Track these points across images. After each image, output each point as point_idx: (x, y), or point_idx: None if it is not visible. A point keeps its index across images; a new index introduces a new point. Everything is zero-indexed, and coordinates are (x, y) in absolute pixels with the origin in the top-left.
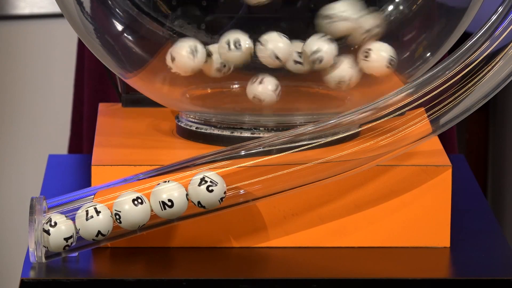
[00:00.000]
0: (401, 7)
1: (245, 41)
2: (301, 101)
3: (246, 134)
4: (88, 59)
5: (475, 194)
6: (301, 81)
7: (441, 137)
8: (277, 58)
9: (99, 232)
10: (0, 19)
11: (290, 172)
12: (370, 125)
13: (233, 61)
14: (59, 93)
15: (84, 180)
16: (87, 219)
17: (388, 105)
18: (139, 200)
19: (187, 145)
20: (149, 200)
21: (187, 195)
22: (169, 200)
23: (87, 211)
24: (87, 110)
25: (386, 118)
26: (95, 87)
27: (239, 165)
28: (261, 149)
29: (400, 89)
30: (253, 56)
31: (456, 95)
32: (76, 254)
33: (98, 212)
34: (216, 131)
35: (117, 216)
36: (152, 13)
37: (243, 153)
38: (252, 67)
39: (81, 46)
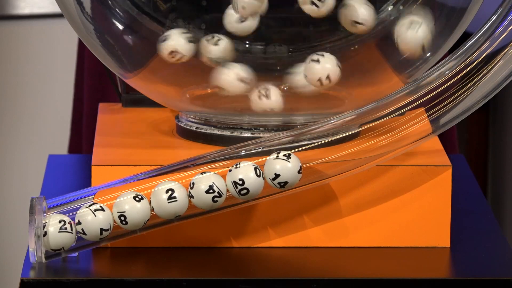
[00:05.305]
0: (401, 7)
1: None
2: (301, 101)
3: (246, 134)
4: (88, 59)
5: (475, 194)
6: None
7: (441, 137)
8: None
9: (101, 229)
10: (0, 19)
11: None
12: (370, 125)
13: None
14: (59, 93)
15: (84, 180)
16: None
17: (388, 105)
18: (140, 197)
19: (187, 145)
20: (149, 200)
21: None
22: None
23: (87, 211)
24: (86, 109)
25: (386, 118)
26: (95, 87)
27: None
28: (261, 149)
29: (400, 89)
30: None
31: (456, 95)
32: (76, 254)
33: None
34: (216, 131)
35: (122, 218)
36: (152, 13)
37: (243, 153)
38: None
39: (81, 46)
